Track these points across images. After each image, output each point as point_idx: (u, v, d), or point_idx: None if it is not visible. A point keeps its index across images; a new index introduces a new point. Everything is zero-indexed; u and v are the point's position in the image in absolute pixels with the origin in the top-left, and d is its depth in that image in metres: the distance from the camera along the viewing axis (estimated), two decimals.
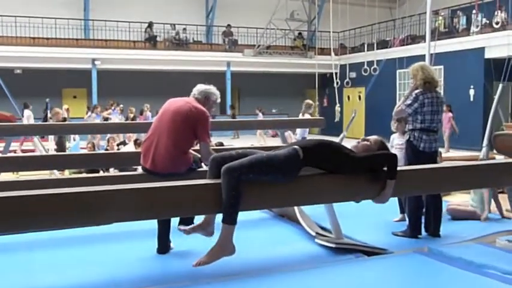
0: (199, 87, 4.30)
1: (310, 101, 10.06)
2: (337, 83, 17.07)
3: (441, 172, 3.37)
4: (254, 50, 21.60)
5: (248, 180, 2.95)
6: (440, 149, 7.15)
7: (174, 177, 3.58)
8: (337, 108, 17.19)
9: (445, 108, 14.02)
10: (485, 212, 5.77)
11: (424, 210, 5.19)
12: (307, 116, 9.60)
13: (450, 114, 13.96)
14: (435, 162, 5.10)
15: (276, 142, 14.85)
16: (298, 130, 10.21)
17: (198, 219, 4.48)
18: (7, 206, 2.52)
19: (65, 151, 12.52)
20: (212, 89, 4.33)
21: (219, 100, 4.39)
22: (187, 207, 3.03)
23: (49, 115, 15.62)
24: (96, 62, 19.57)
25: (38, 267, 4.17)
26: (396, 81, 18.79)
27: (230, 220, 2.96)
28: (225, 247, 2.94)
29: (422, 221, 5.16)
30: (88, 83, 19.91)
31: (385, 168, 3.23)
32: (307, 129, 10.01)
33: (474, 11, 16.41)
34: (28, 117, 14.46)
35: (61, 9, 20.03)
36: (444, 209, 5.55)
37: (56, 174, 7.15)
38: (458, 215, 5.87)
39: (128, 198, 2.77)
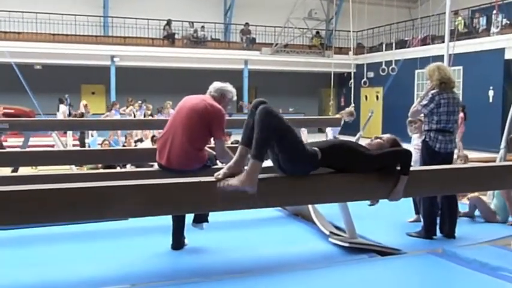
0: (216, 85, 4.33)
1: (352, 110, 10.17)
2: (350, 83, 16.98)
3: (456, 173, 3.36)
4: (272, 49, 21.59)
5: (271, 141, 2.97)
6: (465, 151, 7.11)
7: (189, 174, 3.62)
8: (351, 108, 17.04)
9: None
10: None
11: (439, 211, 5.17)
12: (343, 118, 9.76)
13: (461, 114, 13.80)
14: (451, 163, 5.07)
15: None
16: (328, 130, 10.32)
17: (212, 217, 4.54)
18: (26, 199, 2.57)
19: (84, 146, 12.72)
20: (228, 86, 4.35)
21: (235, 98, 4.40)
22: (201, 204, 3.05)
23: (72, 111, 15.86)
24: (114, 59, 19.71)
25: (52, 261, 4.23)
26: (414, 82, 18.66)
27: (259, 156, 2.94)
28: (250, 180, 2.90)
29: (437, 222, 5.13)
30: (106, 79, 20.07)
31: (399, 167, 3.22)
32: (338, 129, 10.03)
33: (494, 12, 16.23)
34: (63, 113, 14.59)
35: (81, 6, 20.22)
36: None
37: (74, 169, 7.23)
38: (480, 208, 5.81)
39: (143, 194, 2.80)
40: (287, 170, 3.08)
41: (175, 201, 2.92)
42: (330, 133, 10.19)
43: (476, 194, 5.96)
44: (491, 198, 6.00)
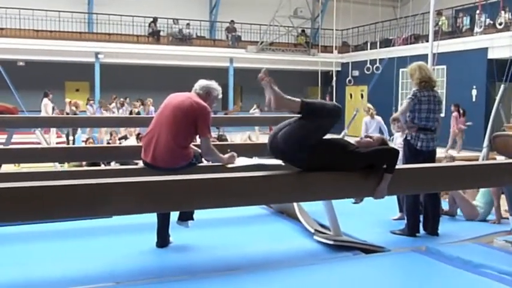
0: (201, 83, 4.32)
1: (370, 106, 10.15)
2: (331, 83, 17.03)
3: (439, 171, 3.39)
4: (257, 47, 21.58)
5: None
6: (452, 152, 7.16)
7: (174, 172, 3.61)
8: None
9: (452, 108, 14.06)
10: (497, 216, 5.77)
11: (422, 209, 5.22)
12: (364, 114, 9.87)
13: (455, 113, 13.97)
14: (433, 161, 5.13)
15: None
16: None
17: (198, 214, 4.53)
18: (7, 197, 2.54)
19: (68, 143, 12.62)
20: (214, 84, 4.34)
21: (220, 96, 4.40)
22: (186, 202, 3.04)
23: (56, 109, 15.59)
24: (99, 56, 19.57)
25: (35, 259, 4.19)
26: (399, 80, 18.78)
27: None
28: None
29: (421, 219, 5.18)
30: (91, 76, 19.92)
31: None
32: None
33: (478, 11, 16.39)
34: (45, 106, 14.29)
35: (65, 2, 20.02)
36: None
37: (57, 166, 7.17)
38: (460, 202, 5.87)
39: (128, 192, 2.79)
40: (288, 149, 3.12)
41: (162, 199, 2.92)
42: None
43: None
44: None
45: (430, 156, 5.08)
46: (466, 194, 6.00)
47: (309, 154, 3.08)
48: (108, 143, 11.47)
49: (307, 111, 3.06)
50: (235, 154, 4.19)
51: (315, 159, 3.11)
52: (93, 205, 2.69)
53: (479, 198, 5.95)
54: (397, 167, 3.19)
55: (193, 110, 4.04)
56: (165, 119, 4.09)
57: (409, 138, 5.10)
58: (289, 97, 3.12)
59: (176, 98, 4.21)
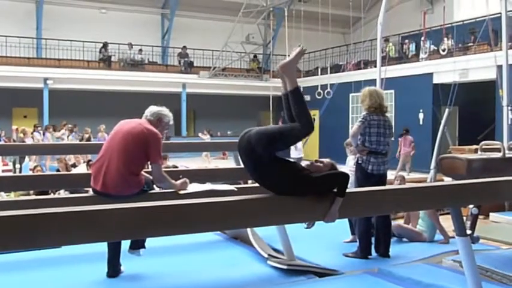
0: (152, 109, 4.28)
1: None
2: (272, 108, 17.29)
3: (386, 194, 3.46)
4: (210, 72, 21.67)
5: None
6: (403, 173, 7.34)
7: (125, 199, 3.55)
8: None
9: (404, 131, 14.45)
10: (444, 236, 5.91)
11: (374, 231, 5.30)
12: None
13: (410, 137, 14.39)
14: (384, 184, 5.23)
15: (223, 164, 14.89)
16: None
17: (149, 242, 4.46)
18: None
19: (15, 171, 12.23)
20: (165, 110, 4.31)
21: (171, 122, 4.37)
22: (138, 230, 2.99)
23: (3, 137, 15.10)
24: (48, 82, 19.20)
25: None
26: (349, 105, 19.19)
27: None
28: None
29: (373, 241, 5.26)
30: (39, 102, 19.49)
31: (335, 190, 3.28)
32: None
33: (422, 38, 17.04)
34: None
35: (12, 27, 19.61)
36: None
37: (3, 196, 6.94)
38: (404, 233, 6.01)
39: (76, 221, 2.71)
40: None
41: (113, 228, 2.85)
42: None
43: (398, 221, 6.20)
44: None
45: (381, 180, 5.17)
46: (411, 222, 6.13)
47: (269, 159, 3.10)
48: (58, 170, 11.19)
49: (296, 95, 3.10)
50: (187, 180, 4.17)
51: (271, 169, 3.11)
52: (37, 236, 2.60)
53: (420, 223, 6.08)
54: (348, 190, 3.23)
55: (145, 137, 4.00)
56: (116, 145, 4.03)
57: (360, 161, 5.19)
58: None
59: (127, 124, 4.16)
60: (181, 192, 4.03)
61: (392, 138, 5.46)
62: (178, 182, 4.10)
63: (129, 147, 3.98)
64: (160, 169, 4.08)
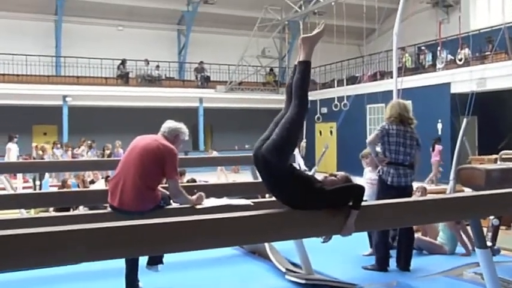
0: (168, 125, 4.30)
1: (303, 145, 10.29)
2: None
3: (405, 206, 3.43)
4: (226, 86, 21.79)
5: None
6: (424, 184, 7.28)
7: (142, 215, 3.57)
8: (303, 143, 17.10)
9: (433, 140, 14.41)
10: (465, 248, 5.83)
11: (394, 243, 5.25)
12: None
13: (439, 146, 14.36)
14: (406, 197, 5.13)
15: (237, 178, 14.90)
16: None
17: (167, 257, 4.47)
18: None
19: (35, 188, 12.37)
20: (182, 127, 4.32)
21: (187, 138, 4.39)
22: (156, 246, 3.00)
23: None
24: (67, 99, 19.47)
25: None
26: (366, 116, 19.11)
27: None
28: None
29: (392, 254, 5.20)
30: (59, 119, 19.75)
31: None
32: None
33: (439, 48, 16.94)
34: (9, 150, 13.84)
35: (32, 46, 19.97)
36: None
37: (24, 213, 7.01)
38: (424, 246, 5.93)
39: (95, 237, 2.74)
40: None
41: (131, 244, 2.87)
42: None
43: (416, 234, 6.12)
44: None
45: (405, 193, 4.92)
46: (428, 235, 6.06)
47: (285, 169, 3.11)
48: (78, 187, 11.30)
49: (304, 67, 3.27)
50: (203, 194, 4.18)
51: (286, 180, 3.11)
52: (56, 253, 2.63)
53: (441, 235, 6.00)
54: (363, 203, 3.21)
55: (160, 153, 4.03)
56: (132, 161, 4.07)
57: (380, 173, 5.14)
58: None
59: (143, 140, 4.20)
60: (198, 207, 4.04)
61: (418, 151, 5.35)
62: (194, 197, 4.12)
63: (145, 162, 4.01)
64: (177, 184, 4.10)
